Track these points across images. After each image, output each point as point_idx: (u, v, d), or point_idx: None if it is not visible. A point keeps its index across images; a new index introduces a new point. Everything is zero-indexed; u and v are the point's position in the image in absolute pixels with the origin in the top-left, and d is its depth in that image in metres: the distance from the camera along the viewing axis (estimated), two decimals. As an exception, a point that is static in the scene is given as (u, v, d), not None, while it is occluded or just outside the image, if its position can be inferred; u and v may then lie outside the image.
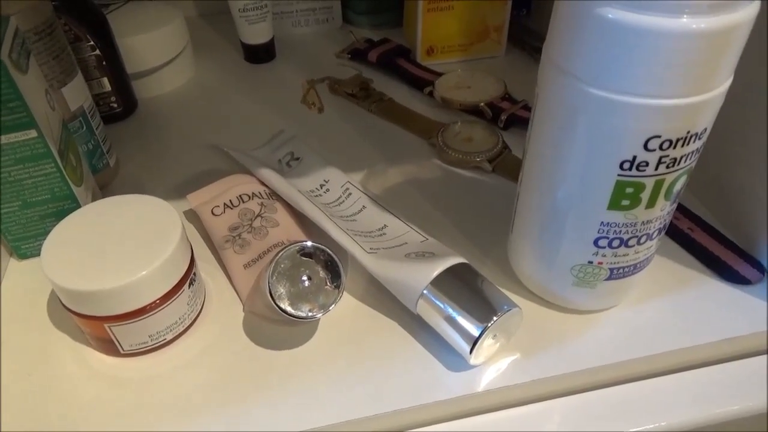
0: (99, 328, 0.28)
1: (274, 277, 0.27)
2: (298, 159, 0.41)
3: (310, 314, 0.27)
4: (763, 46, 0.31)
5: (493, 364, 0.29)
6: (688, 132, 0.23)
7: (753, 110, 0.32)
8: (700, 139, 0.23)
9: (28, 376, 0.29)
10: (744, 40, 0.21)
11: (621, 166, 0.24)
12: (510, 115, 0.44)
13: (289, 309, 0.27)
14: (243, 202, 0.35)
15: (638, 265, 0.28)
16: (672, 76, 0.21)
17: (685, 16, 0.20)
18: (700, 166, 0.34)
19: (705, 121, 0.23)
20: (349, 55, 0.53)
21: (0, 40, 0.28)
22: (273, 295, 0.27)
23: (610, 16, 0.21)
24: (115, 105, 0.45)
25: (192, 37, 0.52)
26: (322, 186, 0.38)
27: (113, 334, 0.28)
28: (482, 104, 0.45)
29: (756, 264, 0.33)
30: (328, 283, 0.28)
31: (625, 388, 0.28)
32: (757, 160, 0.32)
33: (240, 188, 0.36)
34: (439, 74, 0.49)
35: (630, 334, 0.30)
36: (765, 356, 0.30)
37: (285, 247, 0.28)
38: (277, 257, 0.27)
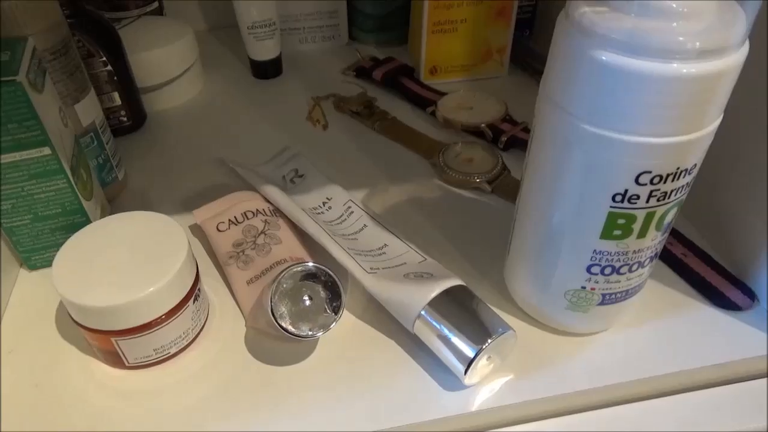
0: (105, 341, 0.29)
1: (277, 297, 0.28)
2: (302, 176, 0.41)
3: (310, 333, 0.28)
4: (755, 76, 0.32)
5: (487, 384, 0.30)
6: (678, 168, 0.24)
7: (747, 139, 0.33)
8: (690, 174, 0.24)
9: (35, 387, 0.30)
10: (732, 83, 0.22)
11: (613, 199, 0.24)
12: (510, 137, 0.45)
13: (290, 328, 0.28)
14: (247, 218, 0.36)
15: (630, 291, 0.29)
16: (662, 116, 0.22)
17: (675, 61, 0.21)
18: (695, 193, 0.35)
19: (695, 158, 0.24)
20: (355, 73, 0.54)
21: (18, 61, 0.29)
22: (275, 314, 0.28)
23: (604, 58, 0.21)
24: (125, 119, 0.46)
25: (201, 52, 0.53)
26: (324, 203, 0.39)
27: (119, 347, 0.29)
28: (483, 125, 0.46)
29: (747, 291, 0.34)
30: (329, 303, 0.29)
31: (616, 410, 0.29)
32: (749, 187, 0.33)
33: (245, 205, 0.37)
34: (442, 94, 0.50)
35: (621, 357, 0.31)
36: (753, 382, 0.30)
37: (287, 268, 0.28)
38: (280, 277, 0.28)
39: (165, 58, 0.48)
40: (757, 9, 0.22)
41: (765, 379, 0.31)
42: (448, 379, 0.29)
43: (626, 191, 0.24)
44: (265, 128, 0.48)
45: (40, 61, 0.32)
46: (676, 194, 0.25)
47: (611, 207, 0.25)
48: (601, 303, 0.29)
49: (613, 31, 0.21)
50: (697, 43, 0.21)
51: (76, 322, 0.29)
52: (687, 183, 0.25)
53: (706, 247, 0.37)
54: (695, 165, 0.24)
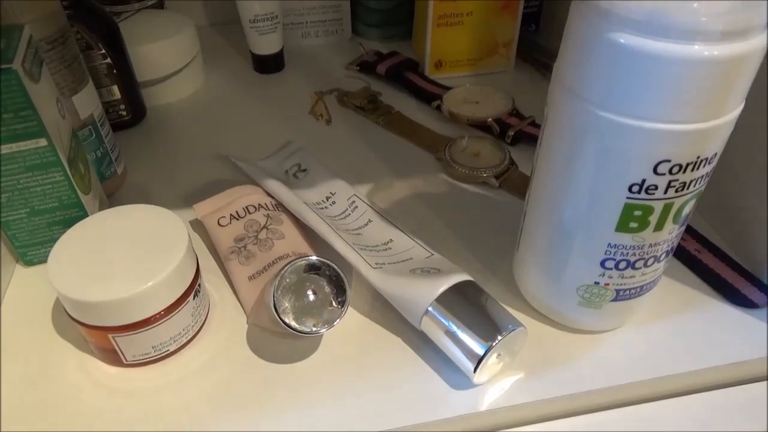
0: (103, 338, 0.28)
1: (279, 292, 0.27)
2: (305, 170, 0.41)
3: (314, 329, 0.27)
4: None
5: (496, 382, 0.29)
6: (698, 157, 0.23)
7: (763, 134, 0.32)
8: (710, 163, 0.23)
9: (31, 384, 0.29)
10: (756, 68, 0.21)
11: (630, 189, 0.24)
12: (517, 132, 0.44)
13: (293, 324, 0.27)
14: (249, 213, 0.35)
15: (645, 287, 0.28)
16: (683, 101, 0.21)
17: (697, 43, 0.20)
18: (710, 188, 0.34)
19: (715, 147, 0.23)
20: (358, 67, 0.53)
21: (14, 49, 0.29)
22: (278, 309, 0.27)
23: (622, 41, 0.21)
24: (125, 113, 0.46)
25: (202, 46, 0.52)
26: (328, 198, 0.38)
27: (117, 344, 0.28)
28: (490, 120, 0.45)
29: (763, 287, 0.33)
30: (333, 299, 0.28)
31: (629, 410, 0.28)
32: (765, 183, 0.32)
33: (246, 199, 0.36)
34: (447, 88, 0.49)
35: (635, 356, 0.30)
36: (771, 381, 0.30)
37: (290, 262, 0.28)
38: (283, 271, 0.27)
39: (165, 52, 0.48)
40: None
41: (783, 378, 0.30)
42: (457, 378, 0.29)
43: (644, 181, 0.23)
44: (267, 123, 0.47)
45: (36, 50, 0.31)
46: (695, 185, 0.24)
47: (628, 198, 0.24)
48: (615, 299, 0.28)
49: (632, 12, 0.20)
50: (721, 25, 0.20)
51: (72, 319, 0.28)
52: (707, 173, 0.24)
53: (720, 243, 0.36)
54: (716, 154, 0.23)
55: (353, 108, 0.48)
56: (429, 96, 0.49)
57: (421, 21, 0.51)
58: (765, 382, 0.29)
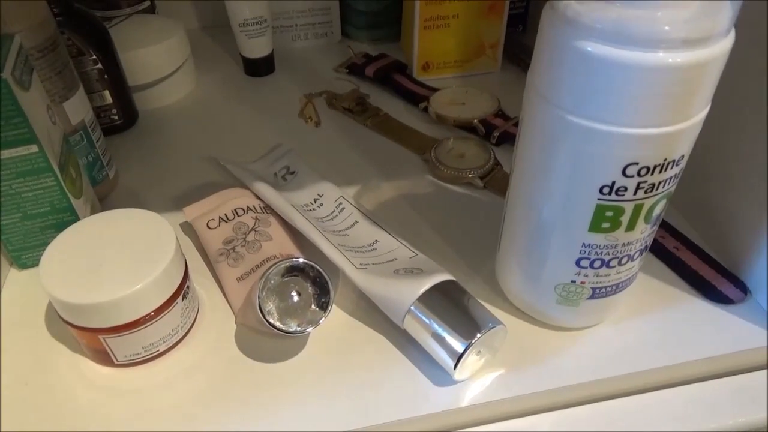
0: (94, 339, 0.28)
1: (264, 293, 0.28)
2: (293, 173, 0.41)
3: (299, 329, 0.28)
4: (746, 68, 0.31)
5: (477, 379, 0.29)
6: (665, 159, 0.23)
7: (740, 130, 0.33)
8: (677, 165, 0.24)
9: (25, 385, 0.30)
10: (719, 72, 0.22)
11: (601, 191, 0.24)
12: (502, 132, 0.45)
13: (278, 324, 0.28)
14: (238, 215, 0.36)
15: (620, 285, 0.29)
16: (648, 106, 0.22)
17: (661, 51, 0.21)
18: (688, 186, 0.35)
19: (682, 149, 0.24)
20: (347, 70, 0.54)
21: (4, 59, 0.29)
22: (263, 310, 0.27)
23: (589, 49, 0.21)
24: (116, 117, 0.46)
25: (193, 50, 0.53)
26: (316, 200, 0.38)
27: (108, 345, 0.29)
28: (475, 121, 0.45)
29: (739, 284, 0.33)
30: (317, 299, 0.29)
31: (607, 404, 0.29)
32: (742, 180, 0.33)
33: (235, 202, 0.37)
34: (435, 90, 0.49)
35: (613, 351, 0.31)
36: (746, 375, 0.30)
37: (275, 263, 0.28)
38: (267, 273, 0.28)
39: (156, 56, 0.48)
40: (742, -3, 0.21)
41: (759, 372, 0.31)
42: (439, 375, 0.29)
43: (613, 183, 0.24)
44: (257, 125, 0.48)
45: (27, 58, 0.32)
46: (664, 186, 0.25)
47: (599, 199, 0.25)
48: (592, 297, 0.29)
49: (598, 21, 0.21)
50: (683, 32, 0.20)
51: (64, 321, 0.29)
52: (675, 174, 0.25)
53: (699, 240, 0.36)
54: (683, 156, 0.24)
55: (342, 110, 0.49)
56: (417, 98, 0.49)
57: (409, 24, 0.52)
58: (741, 376, 0.30)
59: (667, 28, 0.21)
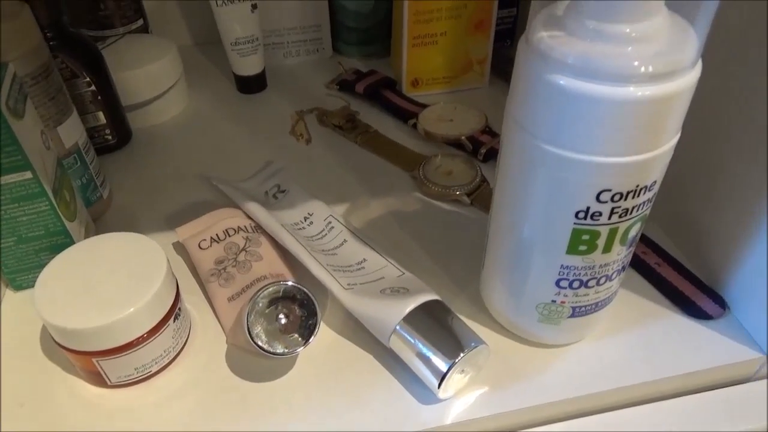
0: (87, 361, 0.29)
1: (253, 317, 0.28)
2: (284, 191, 0.42)
3: (287, 351, 0.29)
4: (718, 88, 0.32)
5: (462, 396, 0.30)
6: (638, 185, 0.24)
7: (719, 150, 0.34)
8: (650, 190, 0.25)
9: (20, 407, 0.30)
10: (687, 103, 0.23)
11: (576, 216, 0.25)
12: (489, 149, 0.45)
13: (266, 347, 0.28)
14: (229, 236, 0.37)
15: (600, 304, 0.30)
16: (619, 137, 0.23)
17: (630, 85, 0.21)
18: (669, 203, 0.36)
19: (654, 175, 0.25)
20: (338, 86, 0.55)
21: (-2, 88, 0.30)
22: (251, 333, 0.28)
23: (561, 83, 0.22)
24: (110, 137, 0.47)
25: (186, 67, 0.54)
26: (306, 219, 0.39)
27: (101, 367, 0.29)
28: (463, 137, 0.46)
29: (718, 299, 0.34)
30: (304, 322, 0.30)
31: (589, 420, 0.30)
32: (721, 198, 0.34)
33: (227, 222, 0.37)
34: (424, 106, 0.50)
35: (594, 367, 0.32)
36: (724, 390, 0.31)
37: (263, 287, 0.29)
38: (256, 297, 0.29)
39: (149, 76, 0.49)
40: (707, 30, 0.22)
41: (737, 387, 0.31)
42: (424, 393, 0.30)
43: (588, 208, 0.25)
44: (249, 143, 0.49)
45: (21, 86, 0.33)
46: (637, 210, 0.25)
47: (575, 224, 0.25)
48: (572, 315, 0.30)
49: (569, 56, 0.22)
50: (651, 67, 0.21)
51: (58, 344, 0.29)
52: (648, 199, 0.25)
53: (680, 256, 0.37)
54: (655, 181, 0.25)
55: (332, 127, 0.50)
56: (406, 114, 0.50)
57: (398, 41, 0.53)
58: (720, 390, 0.31)
59: (636, 63, 0.21)
